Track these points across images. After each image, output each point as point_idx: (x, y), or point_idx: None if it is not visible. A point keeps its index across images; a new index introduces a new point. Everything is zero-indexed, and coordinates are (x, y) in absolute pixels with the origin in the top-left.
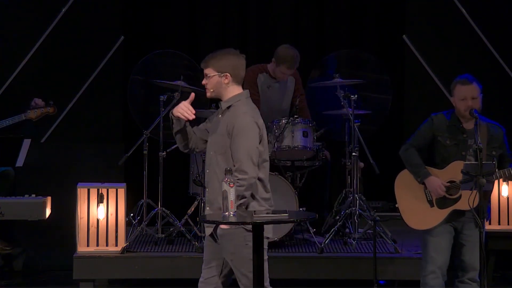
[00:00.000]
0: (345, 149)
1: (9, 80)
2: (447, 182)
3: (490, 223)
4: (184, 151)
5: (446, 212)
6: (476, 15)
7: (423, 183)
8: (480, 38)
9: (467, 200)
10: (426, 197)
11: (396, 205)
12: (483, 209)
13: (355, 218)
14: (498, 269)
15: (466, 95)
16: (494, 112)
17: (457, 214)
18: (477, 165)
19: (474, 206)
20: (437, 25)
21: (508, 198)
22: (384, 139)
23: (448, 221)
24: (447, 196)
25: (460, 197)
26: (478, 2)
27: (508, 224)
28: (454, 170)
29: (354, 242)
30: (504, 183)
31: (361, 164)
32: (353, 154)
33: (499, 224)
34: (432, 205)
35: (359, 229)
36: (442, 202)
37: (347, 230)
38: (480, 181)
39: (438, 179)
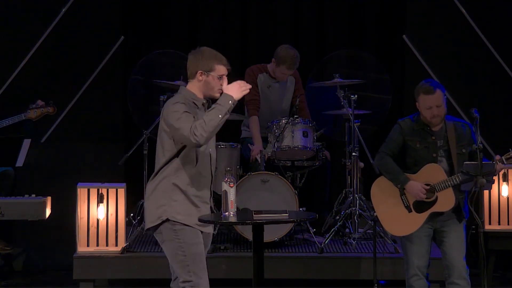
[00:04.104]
0: (345, 149)
1: (9, 80)
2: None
3: (490, 223)
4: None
5: (424, 216)
6: (476, 15)
7: (403, 189)
8: (480, 38)
9: (445, 201)
10: (403, 203)
11: (375, 214)
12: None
13: (355, 218)
14: (498, 269)
15: (431, 104)
16: (494, 112)
17: (436, 215)
18: (477, 165)
19: (453, 206)
20: (437, 25)
21: (508, 198)
22: (384, 139)
23: (426, 222)
24: (424, 199)
25: (436, 199)
26: (478, 2)
27: (508, 224)
28: (428, 173)
29: (354, 242)
30: (504, 183)
31: (361, 164)
32: (353, 154)
33: (499, 224)
34: (410, 211)
35: (359, 229)
36: (420, 206)
37: (347, 230)
38: (480, 181)
39: (418, 183)
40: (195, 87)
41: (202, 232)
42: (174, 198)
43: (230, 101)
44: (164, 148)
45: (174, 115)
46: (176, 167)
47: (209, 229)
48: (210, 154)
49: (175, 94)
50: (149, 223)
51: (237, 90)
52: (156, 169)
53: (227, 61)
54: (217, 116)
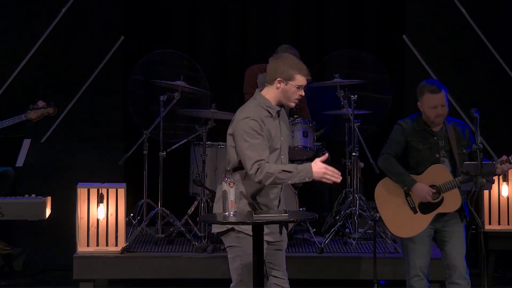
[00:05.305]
0: (345, 149)
1: (9, 80)
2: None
3: (490, 223)
4: None
5: (430, 217)
6: (476, 15)
7: (410, 191)
8: (480, 38)
9: (451, 202)
10: (409, 204)
11: (377, 215)
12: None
13: (355, 218)
14: (498, 269)
15: (436, 104)
16: (494, 112)
17: (439, 216)
18: (477, 165)
19: (458, 207)
20: (437, 25)
21: (508, 198)
22: (384, 139)
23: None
24: (430, 201)
25: (442, 200)
26: (478, 2)
27: (508, 224)
28: (433, 174)
29: (354, 242)
30: (504, 183)
31: (361, 164)
32: (353, 154)
33: (499, 224)
34: (415, 212)
35: (359, 229)
36: (425, 207)
37: (347, 230)
38: (480, 181)
39: (425, 186)
40: (271, 93)
41: (269, 242)
42: (240, 206)
43: (307, 178)
44: (230, 156)
45: (244, 135)
46: (244, 175)
47: (276, 237)
48: (282, 162)
49: (250, 99)
50: (215, 228)
51: (320, 172)
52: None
53: (308, 71)
54: (287, 179)
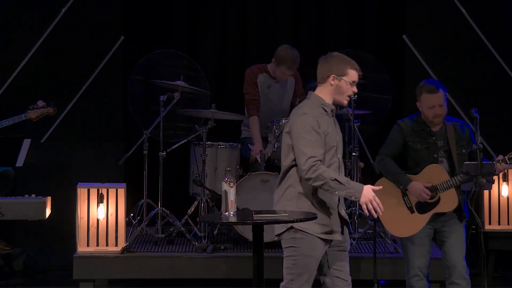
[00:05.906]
0: (345, 149)
1: (9, 80)
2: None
3: (490, 223)
4: None
5: (427, 216)
6: (476, 15)
7: (406, 190)
8: (480, 38)
9: (447, 202)
10: (406, 204)
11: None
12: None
13: (355, 218)
14: (498, 269)
15: (433, 104)
16: (494, 112)
17: (437, 216)
18: (477, 165)
19: (455, 207)
20: (437, 25)
21: (508, 198)
22: (384, 139)
23: (428, 223)
24: (427, 200)
25: (439, 200)
26: (478, 2)
27: (508, 224)
28: (430, 174)
29: (354, 242)
30: (504, 183)
31: (361, 164)
32: (353, 154)
33: (499, 224)
34: (412, 212)
35: (359, 229)
36: (422, 207)
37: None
38: (480, 181)
39: (420, 184)
40: (325, 91)
41: (331, 240)
42: (300, 206)
43: (354, 197)
44: (284, 154)
45: (301, 132)
46: (300, 175)
47: (337, 236)
48: (338, 160)
49: (304, 99)
50: (276, 229)
51: (367, 198)
52: (280, 176)
53: (358, 66)
54: (335, 190)
